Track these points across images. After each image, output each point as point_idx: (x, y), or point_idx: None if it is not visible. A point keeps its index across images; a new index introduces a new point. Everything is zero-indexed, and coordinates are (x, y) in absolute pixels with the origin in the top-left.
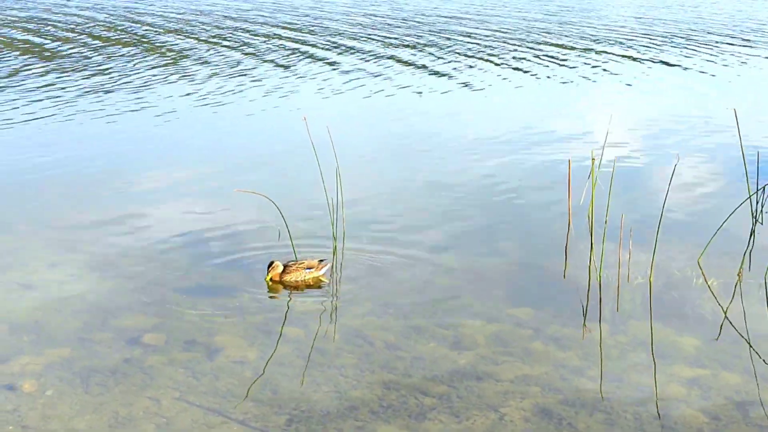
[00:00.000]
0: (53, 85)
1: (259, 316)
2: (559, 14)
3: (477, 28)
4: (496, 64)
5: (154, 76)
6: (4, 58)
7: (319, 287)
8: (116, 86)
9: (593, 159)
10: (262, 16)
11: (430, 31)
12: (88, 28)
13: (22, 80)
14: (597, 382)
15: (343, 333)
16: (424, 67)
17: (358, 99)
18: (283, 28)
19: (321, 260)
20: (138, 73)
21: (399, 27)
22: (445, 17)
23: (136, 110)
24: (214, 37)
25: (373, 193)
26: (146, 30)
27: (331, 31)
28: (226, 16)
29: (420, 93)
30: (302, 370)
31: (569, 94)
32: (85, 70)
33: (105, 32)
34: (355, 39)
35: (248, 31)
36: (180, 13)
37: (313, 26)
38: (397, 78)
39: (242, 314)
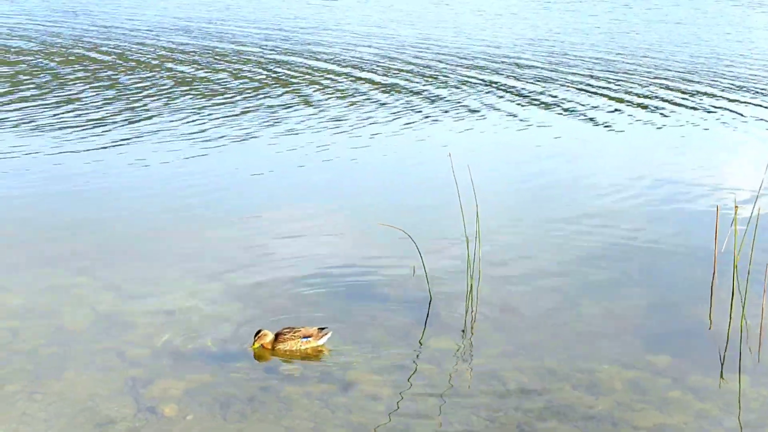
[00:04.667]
0: (193, 115)
1: (392, 352)
2: (702, 54)
3: (615, 67)
4: (635, 105)
5: (290, 108)
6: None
7: (318, 358)
8: (250, 119)
9: (736, 207)
10: (403, 48)
11: (571, 71)
12: (218, 56)
13: (163, 110)
14: None
15: (476, 372)
16: (565, 107)
17: (497, 138)
18: (423, 66)
19: (321, 328)
20: (270, 106)
21: (540, 64)
22: (582, 57)
23: (272, 142)
24: (352, 68)
25: (509, 233)
26: (277, 63)
27: (472, 67)
28: (364, 50)
29: (560, 134)
30: (436, 407)
31: (708, 137)
32: (219, 100)
33: (235, 63)
34: (498, 75)
35: (385, 65)
36: (307, 43)
37: (453, 61)
38: (536, 117)
39: (376, 349)
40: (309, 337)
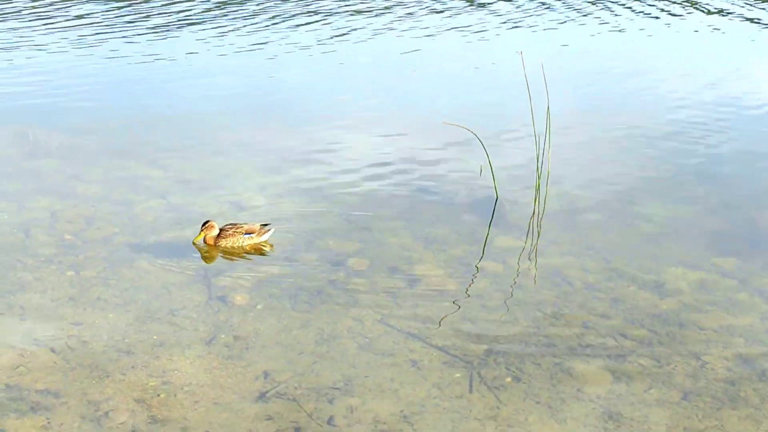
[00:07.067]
0: (269, 19)
1: (458, 249)
2: None
3: None
4: (712, 10)
5: (370, 14)
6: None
7: (262, 254)
8: (323, 23)
9: None
10: None
11: None
12: None
13: (245, 11)
14: None
15: (542, 271)
16: (642, 11)
17: (572, 38)
18: None
19: (264, 224)
20: (345, 12)
21: None
22: None
23: (344, 42)
24: None
25: (578, 134)
26: None
27: None
28: None
29: (634, 39)
30: (501, 304)
31: None
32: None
33: None
34: None
35: None
36: None
37: None
38: (613, 22)
39: (442, 245)
40: (252, 233)
